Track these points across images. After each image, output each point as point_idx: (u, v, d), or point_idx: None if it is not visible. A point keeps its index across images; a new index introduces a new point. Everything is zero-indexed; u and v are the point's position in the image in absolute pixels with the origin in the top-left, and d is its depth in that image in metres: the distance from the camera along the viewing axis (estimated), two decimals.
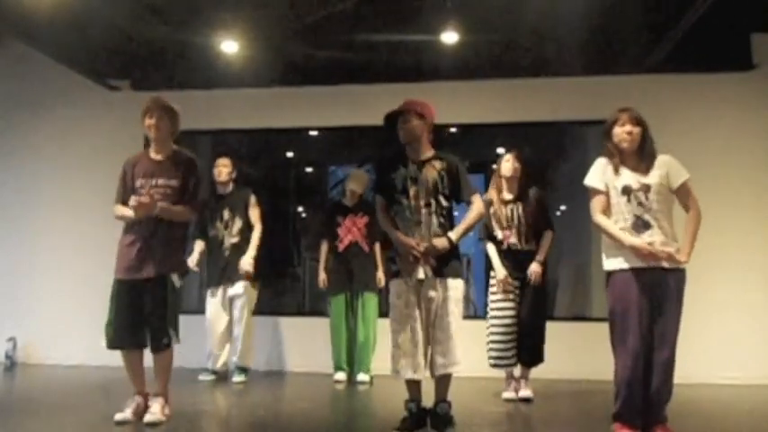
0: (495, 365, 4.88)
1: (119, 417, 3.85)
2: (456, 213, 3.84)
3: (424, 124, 3.76)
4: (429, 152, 3.78)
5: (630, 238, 3.39)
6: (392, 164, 3.79)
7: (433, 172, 3.71)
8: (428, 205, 3.67)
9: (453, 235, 3.65)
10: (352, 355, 5.90)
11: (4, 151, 7.24)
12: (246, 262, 5.69)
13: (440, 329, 3.60)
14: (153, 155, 4.08)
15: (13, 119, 7.20)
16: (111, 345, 3.93)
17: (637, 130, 3.46)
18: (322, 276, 5.95)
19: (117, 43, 6.22)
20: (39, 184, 7.12)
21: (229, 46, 6.07)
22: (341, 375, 5.83)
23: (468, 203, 3.78)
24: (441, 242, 3.61)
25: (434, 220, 3.66)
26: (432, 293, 3.63)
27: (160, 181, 3.99)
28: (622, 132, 3.46)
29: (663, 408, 3.44)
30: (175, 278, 3.97)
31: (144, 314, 3.89)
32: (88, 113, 7.12)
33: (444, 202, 3.71)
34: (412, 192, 3.68)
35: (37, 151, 7.16)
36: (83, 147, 7.08)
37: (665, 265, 3.38)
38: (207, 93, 6.82)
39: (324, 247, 6.01)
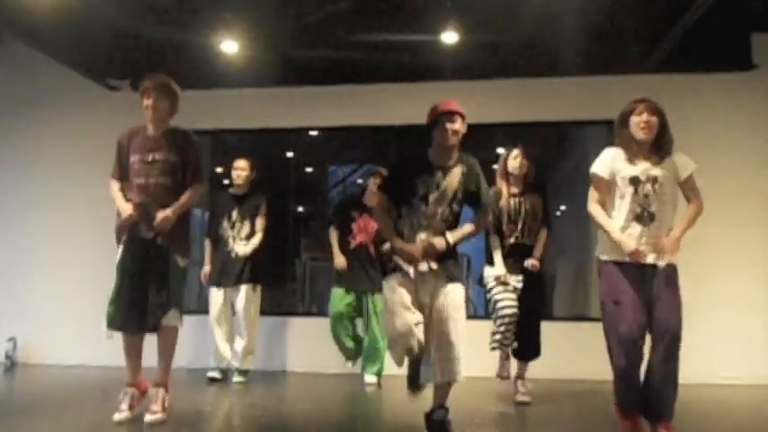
0: (495, 348, 4.85)
1: (117, 417, 3.84)
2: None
3: (464, 127, 3.70)
4: (455, 157, 3.72)
5: (618, 235, 3.42)
6: (416, 168, 3.69)
7: (454, 180, 3.65)
8: (443, 213, 3.63)
9: (451, 237, 3.60)
10: (359, 353, 5.84)
11: (3, 151, 7.24)
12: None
13: (440, 337, 3.51)
14: (149, 131, 4.03)
15: (12, 118, 7.20)
16: (112, 325, 3.86)
17: (654, 119, 3.45)
18: (340, 259, 5.70)
19: (117, 43, 6.22)
20: (39, 184, 7.12)
21: (229, 46, 6.07)
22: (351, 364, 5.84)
23: (477, 212, 3.74)
24: (439, 241, 3.57)
25: (443, 225, 3.63)
26: (426, 299, 3.56)
27: (158, 155, 3.94)
28: (640, 121, 3.45)
29: (667, 402, 3.37)
30: (179, 258, 3.94)
31: (144, 290, 3.83)
32: (88, 113, 7.12)
33: (456, 208, 3.68)
34: (432, 198, 3.62)
35: (36, 151, 7.16)
36: (82, 146, 7.07)
37: (654, 260, 3.39)
38: (207, 93, 6.82)
39: (334, 234, 5.77)
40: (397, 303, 3.54)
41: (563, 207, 7.91)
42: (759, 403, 5.24)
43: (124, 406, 3.88)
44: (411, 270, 3.56)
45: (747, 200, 6.23)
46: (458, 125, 3.64)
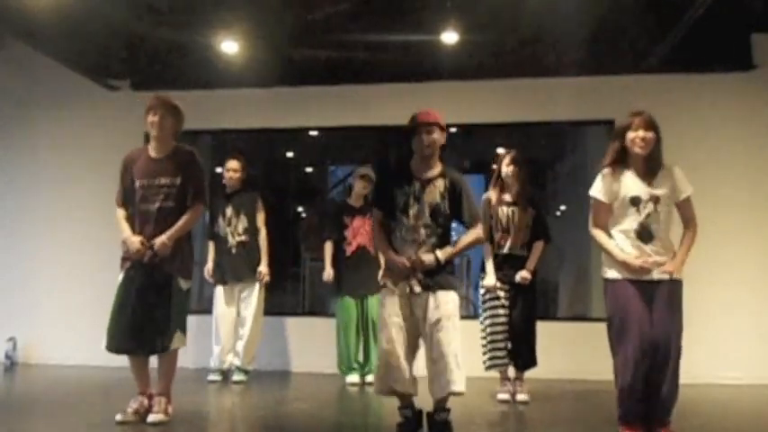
0: (489, 367, 4.88)
1: (120, 417, 3.83)
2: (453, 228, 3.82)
3: (443, 138, 3.72)
4: (436, 169, 3.71)
5: (622, 255, 3.43)
6: (396, 179, 3.72)
7: (435, 192, 3.65)
8: (427, 226, 3.62)
9: (441, 254, 3.58)
10: (359, 357, 5.83)
11: (2, 151, 7.24)
12: (265, 272, 5.77)
13: (434, 349, 3.51)
14: (153, 153, 4.02)
15: (12, 118, 7.19)
16: (110, 347, 3.88)
17: (650, 135, 3.44)
18: (329, 271, 5.74)
19: (117, 43, 6.22)
20: (38, 184, 7.12)
21: (229, 46, 6.07)
22: (354, 378, 5.70)
23: (469, 227, 3.70)
24: (428, 258, 3.56)
25: (431, 240, 3.62)
26: (419, 312, 3.56)
27: (162, 180, 3.94)
28: (636, 137, 3.44)
29: (670, 410, 3.44)
30: (181, 281, 3.94)
31: (146, 315, 3.84)
32: (88, 113, 7.12)
33: (443, 222, 3.66)
34: (412, 211, 3.62)
35: (36, 151, 7.16)
36: (82, 146, 7.08)
37: (659, 276, 3.40)
38: (207, 93, 6.81)
39: (329, 247, 5.82)
40: (387, 326, 3.57)
41: (563, 207, 7.92)
42: (760, 403, 5.23)
43: (130, 409, 3.88)
44: (403, 287, 3.57)
45: (747, 200, 6.22)
46: (435, 135, 3.66)
